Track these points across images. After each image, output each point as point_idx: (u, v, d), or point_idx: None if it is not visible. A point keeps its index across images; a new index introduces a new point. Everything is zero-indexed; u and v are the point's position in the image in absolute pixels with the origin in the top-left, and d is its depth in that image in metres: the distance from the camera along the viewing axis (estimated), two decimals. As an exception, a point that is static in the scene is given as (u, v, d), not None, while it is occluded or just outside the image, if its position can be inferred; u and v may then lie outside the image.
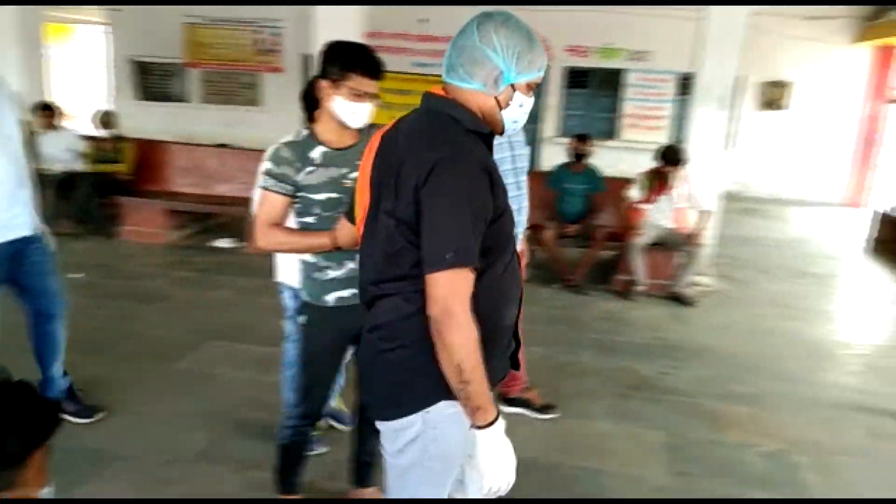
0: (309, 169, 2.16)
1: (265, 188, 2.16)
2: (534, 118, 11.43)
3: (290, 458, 2.53)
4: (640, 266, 5.67)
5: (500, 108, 1.55)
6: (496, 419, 1.50)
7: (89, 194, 6.58)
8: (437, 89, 1.60)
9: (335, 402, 3.25)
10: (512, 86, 1.53)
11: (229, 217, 7.00)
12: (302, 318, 2.36)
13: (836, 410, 3.83)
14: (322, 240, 2.12)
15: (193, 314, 4.74)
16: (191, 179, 7.00)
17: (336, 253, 2.19)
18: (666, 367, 4.28)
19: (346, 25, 5.73)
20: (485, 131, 1.58)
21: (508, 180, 3.00)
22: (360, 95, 2.10)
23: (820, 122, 11.30)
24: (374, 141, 1.68)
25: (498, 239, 1.51)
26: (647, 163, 5.86)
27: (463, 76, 1.53)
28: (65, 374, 3.26)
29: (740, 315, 5.46)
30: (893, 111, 11.32)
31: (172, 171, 7.07)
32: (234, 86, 11.82)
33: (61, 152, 6.66)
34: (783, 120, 11.34)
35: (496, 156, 3.11)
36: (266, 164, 2.17)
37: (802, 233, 9.18)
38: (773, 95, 11.32)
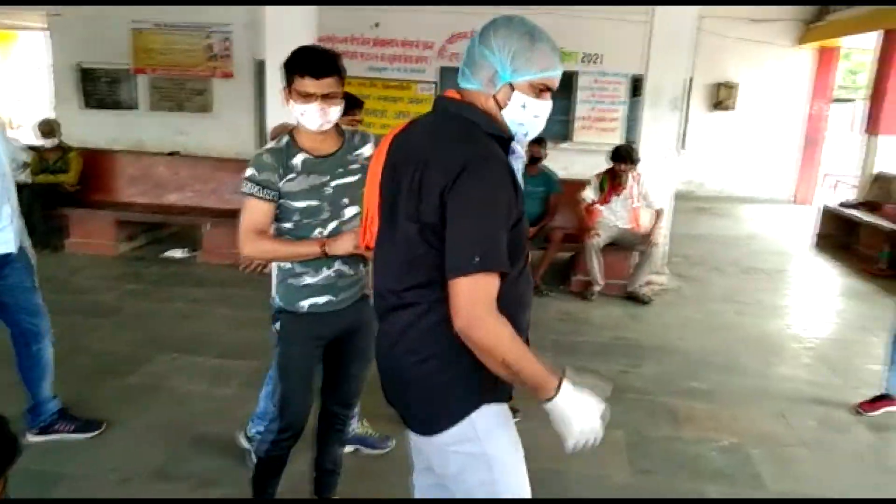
0: (290, 176, 2.13)
1: (249, 195, 2.13)
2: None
3: (268, 472, 2.46)
4: (596, 266, 5.73)
5: (500, 109, 1.52)
6: (560, 385, 1.47)
7: (32, 206, 6.35)
8: (450, 92, 1.59)
9: (360, 427, 3.16)
10: (511, 86, 1.49)
11: (181, 226, 6.86)
12: (276, 325, 2.31)
13: (789, 403, 3.92)
14: (312, 248, 2.11)
15: (145, 327, 4.61)
16: (140, 189, 6.82)
17: (313, 260, 2.17)
18: (625, 366, 4.33)
19: (297, 30, 5.67)
20: (503, 135, 1.54)
21: None
22: (305, 96, 2.05)
23: (766, 121, 11.63)
24: (384, 145, 1.64)
25: (516, 244, 1.49)
26: (601, 164, 5.93)
27: (468, 76, 1.54)
28: (54, 396, 3.17)
29: (695, 312, 5.56)
30: (835, 111, 11.71)
31: (121, 181, 6.88)
32: (184, 92, 11.58)
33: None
34: (731, 120, 11.62)
35: None
36: (249, 171, 2.13)
37: (752, 230, 9.42)
38: (720, 96, 11.60)
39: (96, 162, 6.87)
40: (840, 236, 8.25)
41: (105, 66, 11.59)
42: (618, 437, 3.41)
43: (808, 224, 9.09)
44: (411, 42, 11.01)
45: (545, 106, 1.54)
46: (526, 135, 1.57)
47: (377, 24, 10.88)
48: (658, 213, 5.81)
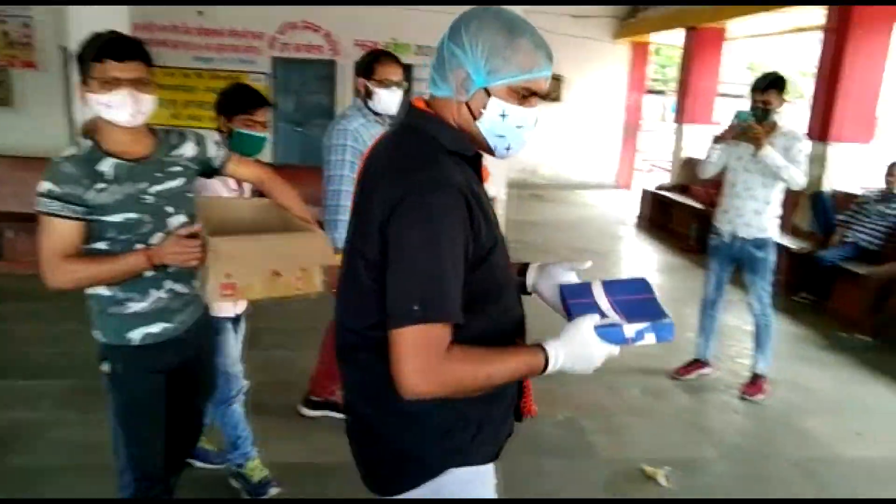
0: (99, 186, 1.81)
1: (49, 214, 1.77)
2: (326, 113, 11.28)
3: None
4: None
5: (475, 119, 1.28)
6: (547, 358, 1.29)
7: None
8: (419, 101, 1.36)
9: (248, 469, 2.79)
10: (486, 91, 1.26)
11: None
12: (106, 366, 1.97)
13: (617, 375, 4.18)
14: (136, 260, 1.81)
15: (-65, 351, 4.04)
16: (-76, 194, 5.95)
17: (138, 281, 1.88)
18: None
19: (106, 16, 5.18)
20: (468, 152, 1.32)
21: None
22: (109, 83, 1.78)
23: (591, 112, 12.43)
24: (362, 161, 1.43)
25: (487, 282, 1.29)
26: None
27: (437, 81, 1.30)
28: None
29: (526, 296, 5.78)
30: (650, 102, 12.73)
31: None
32: (-23, 84, 10.29)
33: None
34: (560, 111, 12.29)
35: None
36: (45, 185, 1.77)
37: (582, 214, 10.01)
38: (550, 88, 12.20)
39: None
40: (657, 216, 8.98)
41: None
42: (461, 422, 3.46)
43: (630, 206, 9.80)
44: (240, 31, 10.55)
45: (530, 114, 1.29)
46: (508, 149, 1.33)
47: (200, 12, 10.30)
48: (493, 202, 5.98)
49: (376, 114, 3.01)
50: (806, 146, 3.74)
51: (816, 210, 6.20)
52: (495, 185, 6.04)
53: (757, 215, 3.77)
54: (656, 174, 11.88)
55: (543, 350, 1.29)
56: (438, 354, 1.18)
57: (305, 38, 10.78)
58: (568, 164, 12.62)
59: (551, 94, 12.16)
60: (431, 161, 1.25)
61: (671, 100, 11.59)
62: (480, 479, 1.39)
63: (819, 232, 6.05)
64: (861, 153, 6.30)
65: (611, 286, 1.46)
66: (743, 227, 3.81)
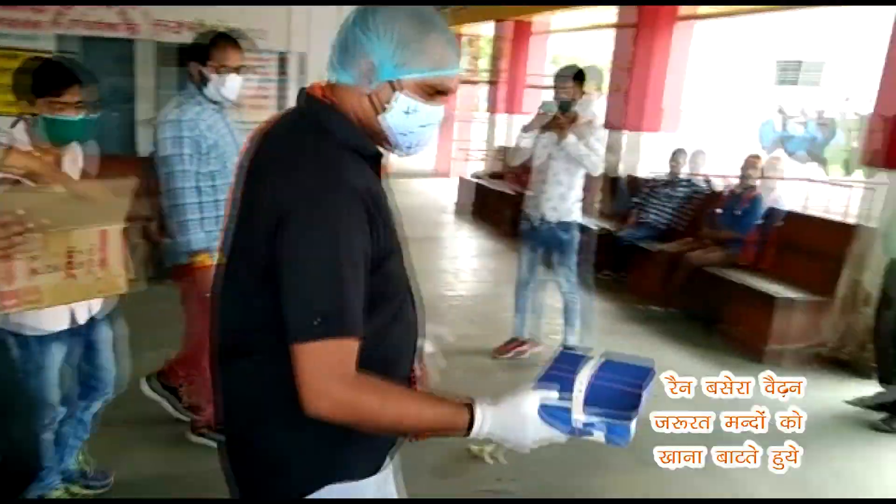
0: None
1: None
2: (128, 98, 10.37)
3: None
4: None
5: (377, 112, 1.19)
6: (472, 418, 1.17)
7: None
8: (315, 87, 1.23)
9: (76, 462, 2.54)
10: (392, 84, 1.17)
11: None
12: None
13: (443, 356, 4.27)
14: None
15: None
16: None
17: None
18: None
19: None
20: (367, 151, 1.22)
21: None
22: None
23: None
24: (247, 143, 1.26)
25: (383, 287, 1.20)
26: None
27: (336, 66, 1.20)
28: None
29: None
30: (465, 91, 13.15)
31: None
32: None
33: None
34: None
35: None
36: None
37: (404, 202, 10.03)
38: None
39: None
40: (475, 203, 9.32)
41: None
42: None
43: (450, 194, 10.08)
44: (19, 4, 9.35)
45: (436, 113, 1.23)
46: (410, 147, 1.27)
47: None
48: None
49: (214, 101, 2.79)
50: (603, 135, 4.06)
51: (615, 193, 6.76)
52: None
53: (562, 200, 4.03)
54: (472, 162, 12.31)
55: (470, 412, 1.19)
56: (341, 372, 1.11)
57: (97, 14, 9.81)
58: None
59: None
60: (327, 160, 1.15)
61: (485, 90, 12.04)
62: (359, 493, 1.31)
63: (618, 213, 6.62)
64: (659, 141, 6.96)
65: (609, 366, 1.31)
66: (550, 212, 4.06)
